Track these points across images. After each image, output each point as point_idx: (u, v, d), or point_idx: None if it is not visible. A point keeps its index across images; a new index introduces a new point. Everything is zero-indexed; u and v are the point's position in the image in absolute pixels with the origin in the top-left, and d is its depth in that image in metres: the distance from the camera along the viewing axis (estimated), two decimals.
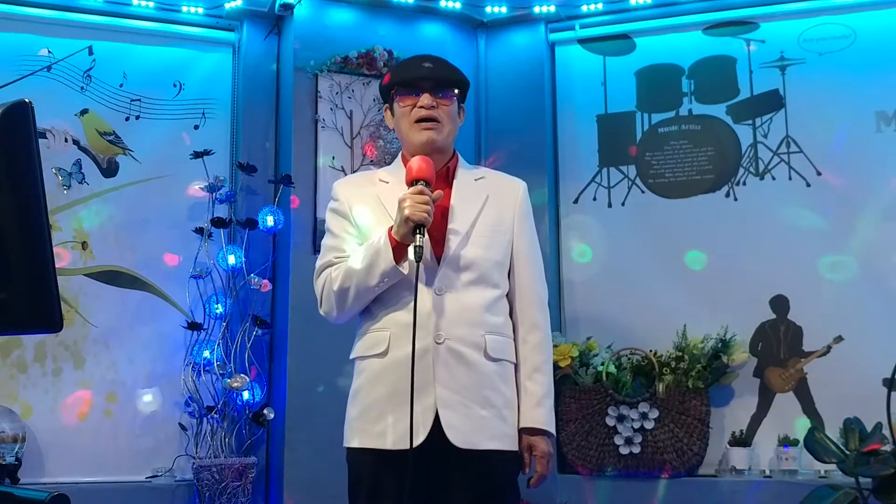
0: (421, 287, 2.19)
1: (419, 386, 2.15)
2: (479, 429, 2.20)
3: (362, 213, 2.35)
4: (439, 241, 2.27)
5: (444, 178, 2.38)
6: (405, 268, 2.20)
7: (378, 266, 2.20)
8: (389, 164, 4.08)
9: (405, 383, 2.13)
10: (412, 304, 2.16)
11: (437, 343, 2.21)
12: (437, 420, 2.18)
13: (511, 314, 2.35)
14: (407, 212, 2.14)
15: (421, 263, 2.17)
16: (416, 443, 2.15)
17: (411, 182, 2.20)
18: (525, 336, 2.33)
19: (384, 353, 2.24)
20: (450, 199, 2.33)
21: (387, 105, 2.44)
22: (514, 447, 2.27)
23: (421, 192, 2.16)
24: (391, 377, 2.21)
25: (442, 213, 2.30)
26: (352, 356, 2.36)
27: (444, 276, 2.25)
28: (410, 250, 2.17)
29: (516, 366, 2.32)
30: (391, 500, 2.20)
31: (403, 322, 2.20)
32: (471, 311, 2.25)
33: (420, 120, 2.33)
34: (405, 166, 2.37)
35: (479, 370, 2.23)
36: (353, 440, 2.28)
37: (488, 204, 2.36)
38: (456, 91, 2.38)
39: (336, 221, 2.39)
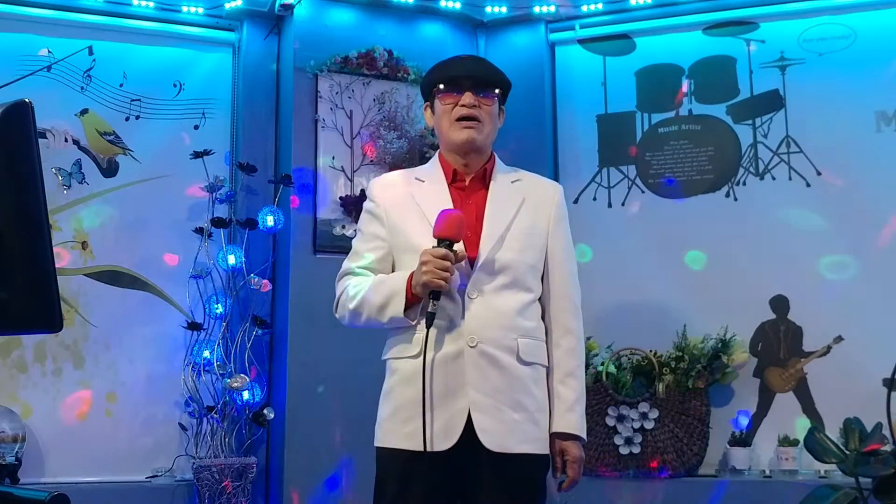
0: (454, 290, 2.22)
1: (452, 389, 2.18)
2: (511, 432, 2.21)
3: (397, 214, 2.36)
4: (474, 244, 2.27)
5: (481, 180, 2.38)
6: (413, 319, 2.23)
7: (389, 309, 2.24)
8: (389, 163, 4.11)
9: (438, 386, 2.16)
10: (447, 307, 2.21)
11: (471, 346, 2.21)
12: (469, 423, 2.19)
13: (544, 318, 2.36)
14: (425, 277, 2.16)
15: (454, 267, 2.18)
16: (448, 446, 2.17)
17: (437, 238, 2.19)
18: (558, 340, 2.34)
19: (418, 355, 2.23)
20: (485, 202, 2.34)
21: (427, 103, 2.45)
22: (545, 451, 2.28)
23: (444, 257, 2.15)
24: (423, 379, 2.20)
25: (477, 216, 2.32)
26: (384, 356, 2.37)
27: (478, 280, 2.25)
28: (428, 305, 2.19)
29: (548, 370, 2.33)
30: (417, 501, 2.20)
31: (436, 325, 2.20)
32: (504, 314, 2.25)
33: (461, 118, 2.33)
34: (442, 166, 2.39)
35: (511, 374, 2.23)
36: (384, 440, 2.29)
37: (524, 207, 2.36)
38: (497, 91, 2.39)
39: (368, 223, 2.41)
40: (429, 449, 2.16)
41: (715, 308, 4.05)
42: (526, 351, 2.26)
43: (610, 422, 3.91)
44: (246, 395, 3.87)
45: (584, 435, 2.32)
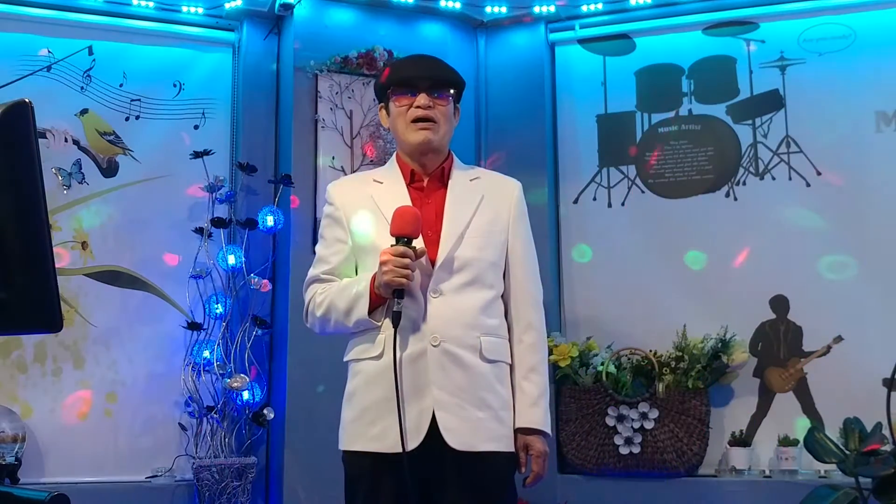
0: (416, 289, 2.21)
1: (416, 388, 2.17)
2: (475, 430, 2.20)
3: (357, 216, 2.35)
4: (434, 243, 2.27)
5: (439, 179, 2.38)
6: (379, 320, 2.23)
7: (354, 313, 2.25)
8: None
9: (402, 386, 2.15)
10: (408, 307, 2.19)
11: (433, 346, 2.21)
12: (433, 422, 2.18)
13: (506, 315, 2.35)
14: (386, 277, 2.15)
15: (415, 264, 2.18)
16: (414, 445, 2.16)
17: (395, 237, 2.18)
18: (520, 336, 2.34)
19: (379, 356, 2.24)
20: (444, 201, 2.33)
21: (382, 104, 2.44)
22: (511, 448, 2.28)
23: (403, 255, 2.15)
24: (387, 380, 2.19)
25: (436, 215, 2.31)
26: (346, 358, 2.36)
27: (439, 278, 2.25)
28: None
29: (511, 366, 2.33)
30: (389, 501, 2.20)
31: (400, 325, 2.19)
32: (466, 312, 2.25)
33: (416, 120, 2.32)
34: (399, 167, 2.39)
35: (474, 372, 2.23)
36: (350, 443, 2.29)
37: (483, 204, 2.35)
38: (452, 91, 2.38)
39: (329, 228, 2.40)
40: (395, 450, 2.16)
41: (715, 308, 4.05)
42: (489, 349, 2.26)
43: (610, 422, 3.91)
44: (246, 395, 3.87)
45: (548, 430, 2.32)
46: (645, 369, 4.00)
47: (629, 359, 4.05)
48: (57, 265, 1.36)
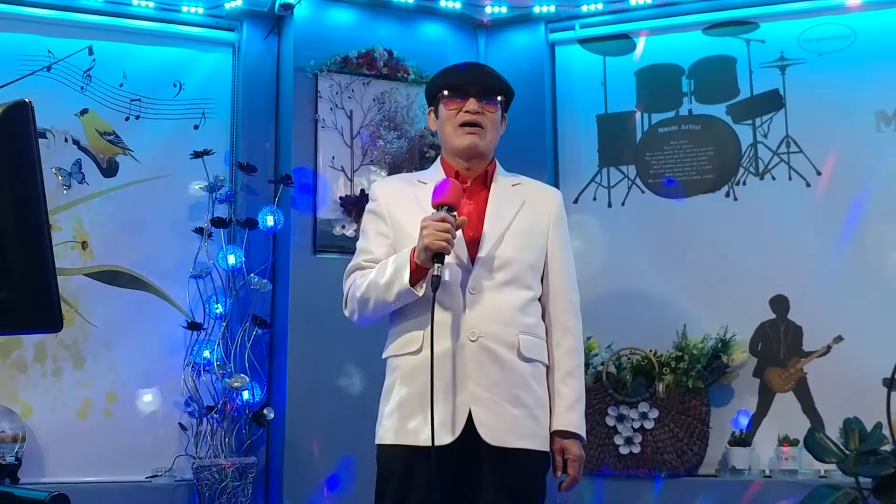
0: (455, 286, 2.24)
1: (453, 383, 2.18)
2: (510, 427, 2.22)
3: (400, 213, 2.38)
4: (475, 242, 2.30)
5: (483, 182, 2.42)
6: (420, 290, 2.22)
7: (395, 285, 2.24)
8: (389, 163, 4.11)
9: (439, 380, 2.16)
10: (446, 303, 2.21)
11: (471, 340, 2.23)
12: (469, 417, 2.20)
13: (544, 318, 2.38)
14: (426, 241, 2.16)
15: (456, 263, 2.22)
16: (449, 440, 2.18)
17: (436, 206, 2.21)
18: (558, 340, 2.36)
19: (418, 351, 2.26)
20: (487, 202, 2.37)
21: (431, 108, 2.48)
22: (545, 448, 2.29)
23: (443, 220, 2.16)
24: (424, 374, 2.20)
25: (478, 215, 2.34)
26: (385, 355, 2.38)
27: (478, 276, 2.27)
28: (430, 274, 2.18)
29: (549, 369, 2.35)
30: (419, 495, 2.21)
31: (437, 321, 2.20)
32: (504, 310, 2.27)
33: (464, 124, 2.37)
34: (444, 169, 2.43)
35: (511, 369, 2.25)
36: (386, 437, 2.29)
37: (524, 208, 2.39)
38: (500, 98, 2.42)
39: (371, 222, 2.42)
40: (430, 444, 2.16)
41: (715, 308, 4.05)
42: (526, 347, 2.28)
43: (610, 422, 3.91)
44: (246, 395, 3.87)
45: (584, 434, 2.33)
46: (645, 369, 4.00)
47: (629, 359, 4.05)
48: (57, 265, 1.36)
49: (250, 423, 3.90)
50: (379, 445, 2.32)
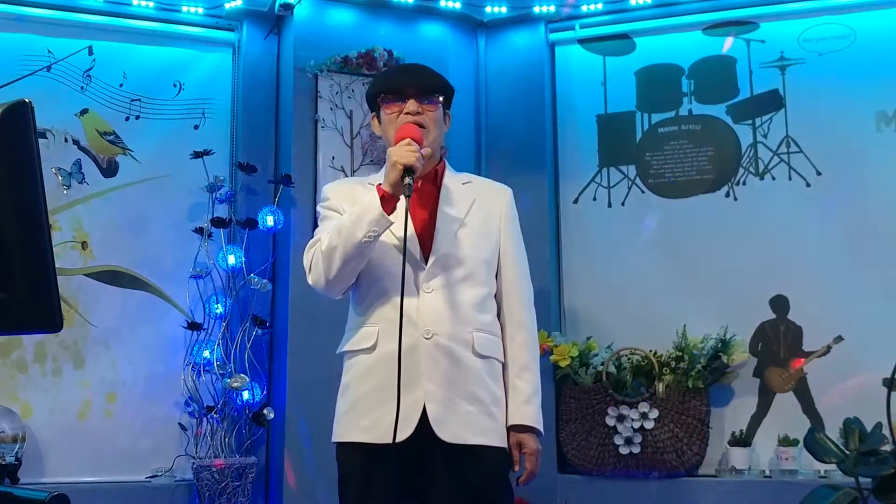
0: (409, 284, 2.22)
1: (407, 380, 2.16)
2: (465, 424, 2.22)
3: (352, 209, 2.35)
4: (427, 240, 2.30)
5: (432, 181, 2.41)
6: (392, 217, 2.20)
7: (365, 217, 2.20)
8: None
9: (393, 377, 2.14)
10: (400, 300, 2.18)
11: (426, 338, 2.23)
12: (424, 415, 2.20)
13: (498, 314, 2.38)
14: (394, 157, 2.17)
15: (408, 261, 2.20)
16: (404, 437, 2.17)
17: (397, 142, 2.23)
18: (513, 335, 2.37)
19: (372, 348, 2.27)
20: (437, 200, 2.36)
21: (374, 113, 2.47)
22: (502, 443, 2.29)
23: (409, 144, 2.19)
24: (379, 372, 2.23)
25: (430, 213, 2.34)
26: (339, 350, 2.39)
27: (432, 274, 2.28)
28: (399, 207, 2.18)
29: (504, 364, 2.35)
30: (380, 497, 2.21)
31: (392, 318, 2.21)
32: (459, 308, 2.28)
33: None
34: None
35: (466, 366, 2.25)
36: (342, 435, 2.31)
37: (475, 206, 2.40)
38: (440, 97, 2.41)
39: (327, 220, 2.39)
40: (386, 441, 2.16)
41: (715, 308, 4.05)
42: (481, 344, 2.28)
43: (610, 422, 3.91)
44: (246, 395, 3.87)
45: (541, 427, 2.33)
46: (645, 369, 4.00)
47: (629, 359, 4.05)
48: (57, 265, 1.36)
49: (250, 423, 3.90)
50: (337, 445, 2.32)
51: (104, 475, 3.85)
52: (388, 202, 2.19)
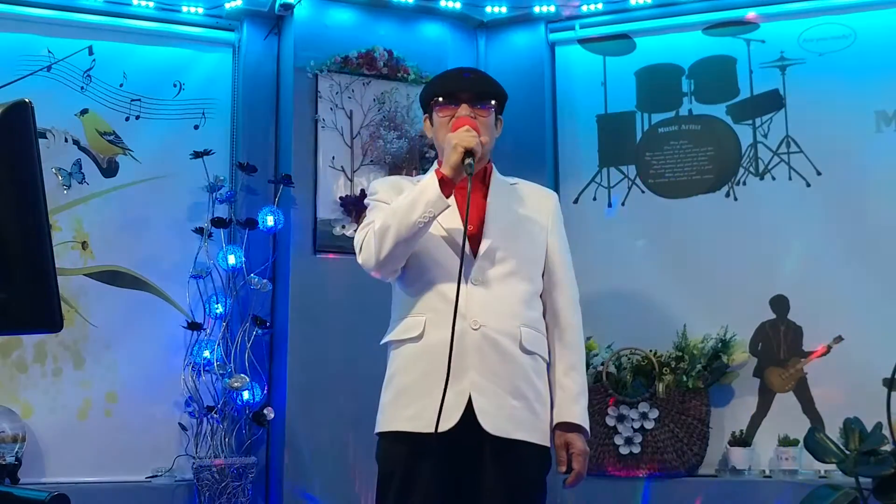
0: (457, 276, 2.20)
1: (453, 371, 2.14)
2: (509, 418, 2.21)
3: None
4: (476, 236, 2.31)
5: (481, 181, 2.41)
6: (450, 199, 2.22)
7: (422, 198, 2.20)
8: (389, 163, 4.11)
9: (440, 367, 2.13)
10: (448, 291, 2.19)
11: (473, 329, 2.22)
12: (469, 406, 2.18)
13: (545, 314, 2.38)
14: (454, 140, 2.21)
15: (458, 256, 2.20)
16: (448, 426, 2.15)
17: (455, 130, 2.27)
18: (560, 335, 2.37)
19: (419, 338, 2.26)
20: (486, 198, 2.37)
21: (426, 115, 2.48)
22: (544, 442, 2.28)
23: (468, 130, 2.23)
24: (426, 361, 2.22)
25: (479, 210, 2.34)
26: (384, 340, 2.36)
27: (481, 269, 2.28)
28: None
29: (550, 364, 2.35)
30: (422, 489, 2.19)
31: (439, 308, 2.22)
32: (507, 302, 2.28)
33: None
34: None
35: (512, 360, 2.25)
36: (386, 424, 2.28)
37: (524, 205, 2.42)
38: (493, 102, 2.42)
39: (377, 206, 2.38)
40: (431, 430, 2.14)
41: (715, 308, 4.05)
42: (528, 340, 2.28)
43: (610, 422, 3.91)
44: (246, 395, 3.87)
45: (588, 427, 2.32)
46: (645, 369, 4.00)
47: (629, 359, 4.05)
48: (57, 265, 1.36)
49: (250, 423, 3.90)
50: (380, 436, 2.30)
51: (104, 475, 3.85)
52: (445, 186, 2.21)
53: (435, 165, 2.46)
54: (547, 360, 2.35)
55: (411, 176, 2.61)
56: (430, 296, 2.28)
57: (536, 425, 2.26)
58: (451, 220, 2.28)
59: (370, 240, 2.26)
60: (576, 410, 2.30)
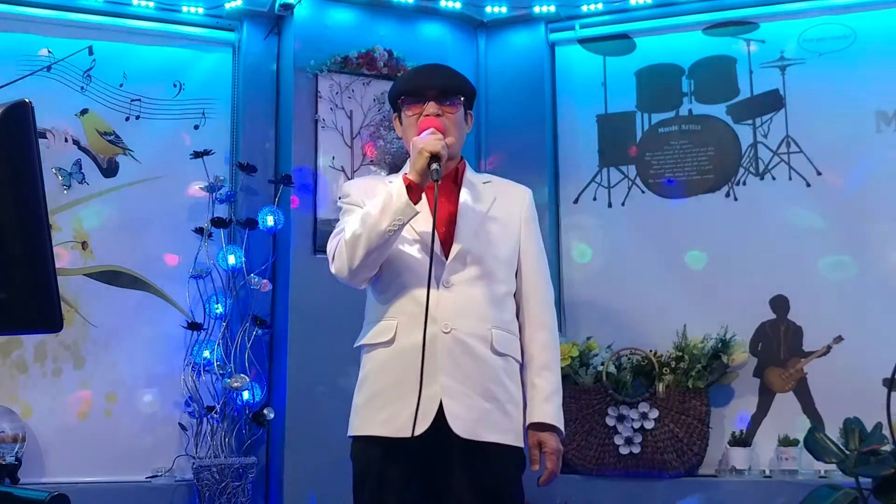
0: (430, 279, 2.19)
1: (424, 375, 2.14)
2: (481, 420, 2.21)
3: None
4: (448, 238, 2.30)
5: (453, 180, 2.40)
6: (418, 206, 2.20)
7: (391, 206, 2.18)
8: (389, 164, 4.11)
9: (411, 371, 2.14)
10: (420, 295, 2.18)
11: (444, 332, 2.22)
12: (441, 411, 2.18)
13: (518, 314, 2.37)
14: (420, 145, 2.19)
15: (429, 258, 2.18)
16: (420, 431, 2.15)
17: (420, 133, 2.26)
18: (532, 335, 2.35)
19: (391, 342, 2.25)
20: (458, 199, 2.36)
21: (396, 114, 2.47)
22: (517, 443, 2.27)
23: (433, 133, 2.22)
24: (398, 365, 2.22)
25: (450, 211, 2.33)
26: (357, 344, 2.36)
27: (452, 270, 2.27)
28: (423, 202, 2.20)
29: (523, 364, 2.34)
30: (396, 493, 2.20)
31: (411, 312, 2.21)
32: (478, 304, 2.27)
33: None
34: None
35: (484, 363, 2.24)
36: (359, 428, 2.29)
37: (496, 204, 2.39)
38: (461, 98, 2.40)
39: (349, 210, 2.38)
40: (403, 434, 2.15)
41: (715, 308, 4.05)
42: (499, 342, 2.27)
43: (610, 422, 3.91)
44: (246, 395, 3.88)
45: (561, 426, 2.32)
46: (645, 369, 4.00)
47: (629, 359, 4.05)
48: (57, 265, 1.36)
49: (250, 423, 3.90)
50: (353, 439, 2.30)
51: (104, 475, 3.85)
52: (413, 192, 2.19)
53: (406, 167, 2.42)
54: (520, 361, 2.34)
55: (369, 175, 2.59)
56: (402, 300, 2.27)
57: (509, 426, 2.26)
58: (422, 223, 2.26)
59: (341, 249, 2.25)
60: (548, 409, 2.30)
